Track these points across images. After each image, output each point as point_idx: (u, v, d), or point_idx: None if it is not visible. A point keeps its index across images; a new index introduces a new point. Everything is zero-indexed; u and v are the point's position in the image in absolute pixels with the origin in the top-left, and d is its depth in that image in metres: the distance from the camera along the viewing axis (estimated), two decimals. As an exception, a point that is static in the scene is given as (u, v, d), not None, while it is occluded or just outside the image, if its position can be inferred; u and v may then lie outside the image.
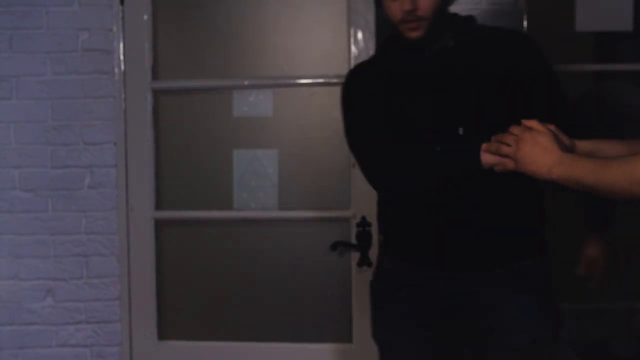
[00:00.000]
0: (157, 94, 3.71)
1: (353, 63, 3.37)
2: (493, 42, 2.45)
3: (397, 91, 2.44)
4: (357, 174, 3.11)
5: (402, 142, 2.40)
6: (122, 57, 3.62)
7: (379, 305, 2.58)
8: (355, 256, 3.52)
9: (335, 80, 3.43)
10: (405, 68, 2.45)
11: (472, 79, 2.40)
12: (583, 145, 2.15)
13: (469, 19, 2.54)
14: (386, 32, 2.68)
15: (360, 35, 3.49)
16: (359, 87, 2.53)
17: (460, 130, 2.37)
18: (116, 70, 3.62)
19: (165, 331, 3.76)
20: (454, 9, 2.55)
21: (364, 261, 3.46)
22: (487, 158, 2.21)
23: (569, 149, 2.09)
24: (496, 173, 2.26)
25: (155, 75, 3.69)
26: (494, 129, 2.33)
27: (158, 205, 3.72)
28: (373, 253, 3.39)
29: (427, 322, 2.49)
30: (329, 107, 3.52)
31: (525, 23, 3.61)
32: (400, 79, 2.45)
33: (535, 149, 2.01)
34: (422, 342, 2.51)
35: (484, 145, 2.22)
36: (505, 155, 2.12)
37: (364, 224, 3.47)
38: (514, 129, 2.10)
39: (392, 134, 2.41)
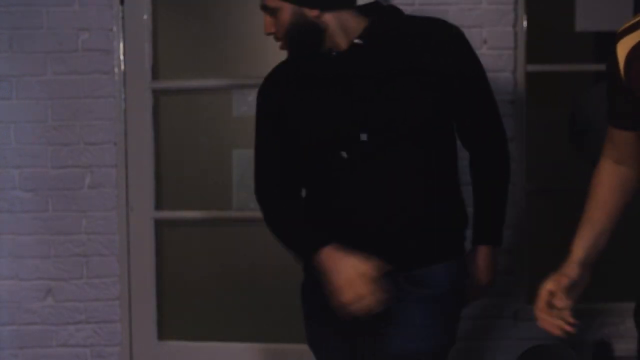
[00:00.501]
0: (157, 94, 3.72)
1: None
2: (409, 38, 2.32)
3: (304, 95, 2.37)
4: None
5: (307, 150, 2.36)
6: (122, 57, 3.62)
7: (303, 309, 2.57)
8: (355, 256, 3.51)
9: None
10: (313, 69, 2.37)
11: (377, 79, 2.28)
12: (585, 249, 2.08)
13: (390, 11, 2.39)
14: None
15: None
16: (265, 97, 2.45)
17: (364, 137, 2.28)
18: (116, 70, 3.62)
19: (165, 331, 3.77)
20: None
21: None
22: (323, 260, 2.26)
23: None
24: (396, 183, 2.27)
25: (155, 75, 3.69)
26: (400, 133, 2.27)
27: (158, 205, 3.72)
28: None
29: (337, 326, 2.43)
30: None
31: (525, 23, 3.61)
32: (308, 81, 2.37)
33: None
34: (336, 350, 2.49)
35: None
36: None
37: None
38: None
39: (286, 157, 2.40)
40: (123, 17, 3.62)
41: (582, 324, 3.72)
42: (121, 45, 3.62)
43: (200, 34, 3.78)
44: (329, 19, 2.31)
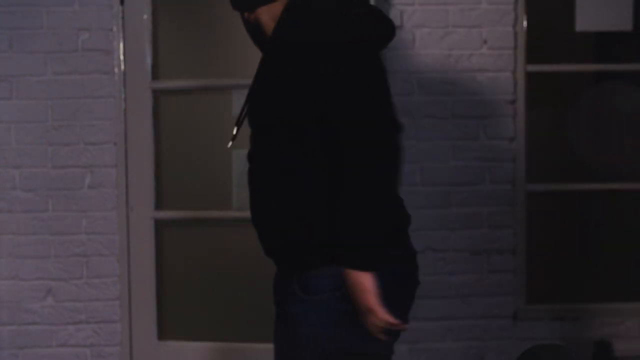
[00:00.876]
0: (157, 94, 3.72)
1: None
2: (292, 38, 2.19)
3: None
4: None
5: None
6: (122, 57, 3.62)
7: None
8: (355, 256, 3.51)
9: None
10: None
11: (258, 77, 2.30)
12: None
13: (299, 4, 2.22)
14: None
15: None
16: None
17: (234, 130, 2.44)
18: (116, 70, 3.62)
19: (165, 331, 3.77)
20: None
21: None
22: None
23: None
24: (261, 182, 2.26)
25: (155, 75, 3.69)
26: (257, 134, 2.32)
27: (158, 205, 3.72)
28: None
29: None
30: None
31: (525, 23, 3.61)
32: None
33: None
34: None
35: None
36: None
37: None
38: None
39: None
40: (123, 17, 3.62)
41: (582, 324, 3.73)
42: (121, 45, 3.62)
43: (200, 34, 3.78)
44: (261, 15, 2.30)
